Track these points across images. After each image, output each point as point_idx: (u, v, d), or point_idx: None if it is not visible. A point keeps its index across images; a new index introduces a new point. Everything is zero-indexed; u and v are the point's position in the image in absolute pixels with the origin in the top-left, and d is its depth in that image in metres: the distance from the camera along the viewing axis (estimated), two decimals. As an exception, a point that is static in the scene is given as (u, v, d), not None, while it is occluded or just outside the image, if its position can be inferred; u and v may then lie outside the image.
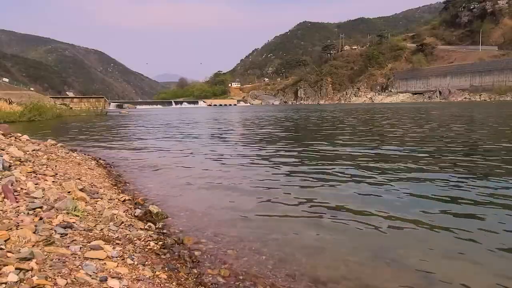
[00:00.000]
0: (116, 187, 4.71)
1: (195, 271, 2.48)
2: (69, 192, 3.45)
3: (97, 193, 3.81)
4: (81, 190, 3.67)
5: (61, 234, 2.35)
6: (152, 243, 2.73)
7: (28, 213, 2.60)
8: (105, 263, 2.09)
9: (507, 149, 7.85)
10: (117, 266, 2.10)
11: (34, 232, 2.22)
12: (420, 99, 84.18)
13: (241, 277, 2.44)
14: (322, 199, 4.22)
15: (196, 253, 2.80)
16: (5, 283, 1.61)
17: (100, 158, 7.39)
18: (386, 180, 5.06)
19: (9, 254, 1.87)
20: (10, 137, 7.04)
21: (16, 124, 20.31)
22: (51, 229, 2.38)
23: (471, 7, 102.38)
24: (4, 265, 1.73)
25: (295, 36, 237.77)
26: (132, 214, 3.43)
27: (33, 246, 2.06)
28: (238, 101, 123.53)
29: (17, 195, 2.96)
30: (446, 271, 2.50)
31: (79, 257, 2.07)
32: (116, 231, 2.77)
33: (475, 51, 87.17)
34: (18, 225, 2.29)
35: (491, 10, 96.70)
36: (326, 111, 36.70)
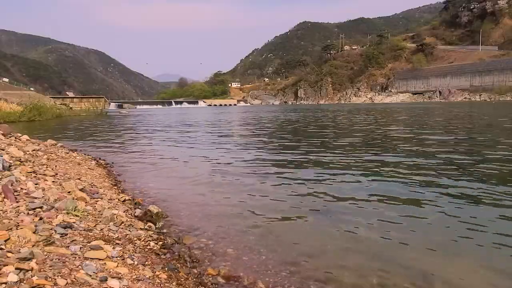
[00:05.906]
0: (116, 187, 4.71)
1: (195, 271, 2.47)
2: (69, 192, 3.45)
3: (97, 193, 3.81)
4: (81, 190, 3.67)
5: (61, 234, 2.35)
6: (152, 243, 2.73)
7: (28, 213, 2.60)
8: (105, 263, 2.09)
9: None
10: (117, 266, 2.10)
11: (34, 232, 2.22)
12: (420, 99, 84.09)
13: (241, 277, 2.44)
14: (325, 200, 4.21)
15: (196, 252, 2.80)
16: (5, 283, 1.61)
17: (100, 158, 7.39)
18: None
19: (9, 254, 1.87)
20: (10, 137, 7.04)
21: (16, 124, 20.31)
22: (51, 229, 2.38)
23: (471, 7, 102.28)
24: (4, 265, 1.73)
25: (295, 36, 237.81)
26: (132, 214, 3.43)
27: (33, 246, 2.06)
28: (238, 101, 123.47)
29: (17, 195, 2.96)
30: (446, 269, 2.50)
31: (79, 257, 2.07)
32: (116, 231, 2.77)
33: (475, 51, 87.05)
34: (18, 225, 2.29)
35: (491, 10, 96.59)
36: (336, 111, 36.62)
